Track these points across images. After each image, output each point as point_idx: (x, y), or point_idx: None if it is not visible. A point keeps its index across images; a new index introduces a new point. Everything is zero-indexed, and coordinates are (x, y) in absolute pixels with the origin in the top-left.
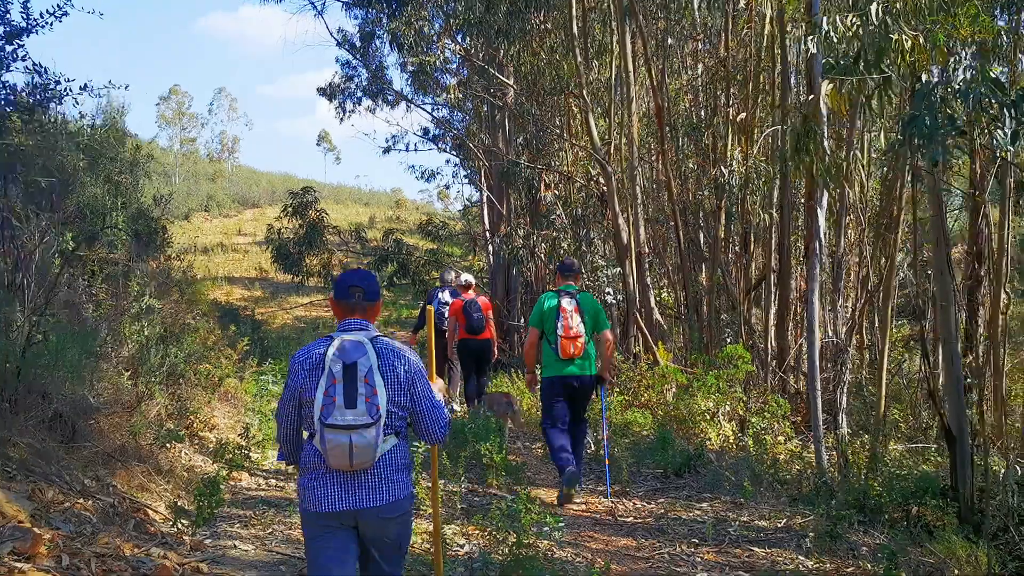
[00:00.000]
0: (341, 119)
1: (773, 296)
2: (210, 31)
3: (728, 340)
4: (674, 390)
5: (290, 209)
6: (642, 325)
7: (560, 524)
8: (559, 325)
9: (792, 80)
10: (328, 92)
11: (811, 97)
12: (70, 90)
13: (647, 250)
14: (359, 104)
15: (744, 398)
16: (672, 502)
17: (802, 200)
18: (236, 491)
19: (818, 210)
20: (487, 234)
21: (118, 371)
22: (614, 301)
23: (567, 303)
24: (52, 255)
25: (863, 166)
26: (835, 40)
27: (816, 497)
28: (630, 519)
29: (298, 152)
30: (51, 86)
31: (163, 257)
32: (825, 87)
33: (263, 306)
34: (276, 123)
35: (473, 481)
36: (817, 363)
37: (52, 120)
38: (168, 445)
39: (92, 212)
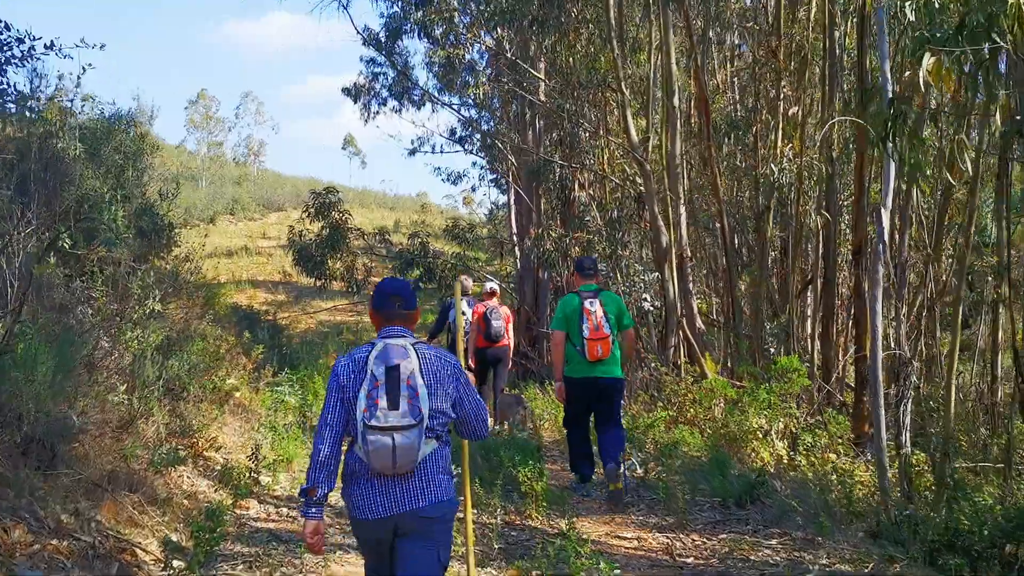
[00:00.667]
0: (366, 120)
1: (818, 303)
2: (237, 35)
3: (771, 350)
4: (722, 405)
5: (312, 210)
6: (688, 335)
7: (615, 570)
8: (584, 327)
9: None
10: (353, 92)
11: (907, 74)
12: (33, 49)
13: (689, 254)
14: (384, 105)
15: (796, 414)
16: (736, 539)
17: (845, 203)
18: (242, 521)
19: (882, 209)
20: (514, 238)
21: (109, 385)
22: (651, 308)
23: (590, 304)
24: (45, 253)
25: (970, 154)
26: (936, 6)
27: (897, 531)
28: (691, 559)
29: (323, 156)
30: (10, 44)
31: (171, 257)
32: (927, 61)
33: (287, 310)
34: (301, 126)
35: (510, 512)
36: (880, 376)
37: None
38: (165, 470)
39: (91, 206)
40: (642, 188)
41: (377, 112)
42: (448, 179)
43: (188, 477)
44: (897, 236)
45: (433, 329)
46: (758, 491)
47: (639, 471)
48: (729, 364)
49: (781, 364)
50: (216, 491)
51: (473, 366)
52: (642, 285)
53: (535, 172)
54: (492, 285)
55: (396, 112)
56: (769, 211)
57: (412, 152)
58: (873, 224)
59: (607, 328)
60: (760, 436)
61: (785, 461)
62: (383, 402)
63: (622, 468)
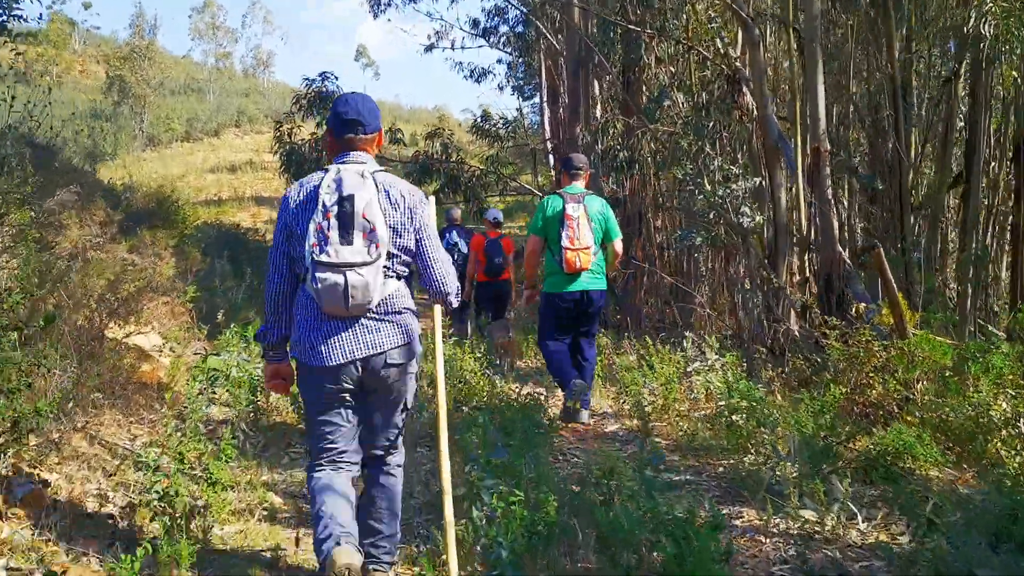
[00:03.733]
0: (375, 14)
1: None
2: None
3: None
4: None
5: (304, 102)
6: (888, 272)
7: None
8: (563, 235)
9: None
10: None
11: None
12: None
13: (828, 147)
14: None
15: None
16: None
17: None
18: None
19: None
20: (547, 144)
21: None
22: (752, 223)
23: (573, 209)
24: None
25: None
26: None
27: None
28: None
29: (336, 70)
30: None
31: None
32: None
33: None
34: (315, 46)
35: None
36: None
37: None
38: None
39: None
40: (738, 63)
41: (388, 2)
42: (471, 76)
43: None
44: None
45: None
46: None
47: (860, 523)
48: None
49: None
50: None
51: (470, 302)
52: (741, 195)
53: (585, 52)
54: (495, 214)
55: (410, 1)
56: (957, 78)
57: (429, 48)
58: None
59: (589, 238)
60: (1000, 428)
61: None
62: (335, 235)
63: (588, 394)
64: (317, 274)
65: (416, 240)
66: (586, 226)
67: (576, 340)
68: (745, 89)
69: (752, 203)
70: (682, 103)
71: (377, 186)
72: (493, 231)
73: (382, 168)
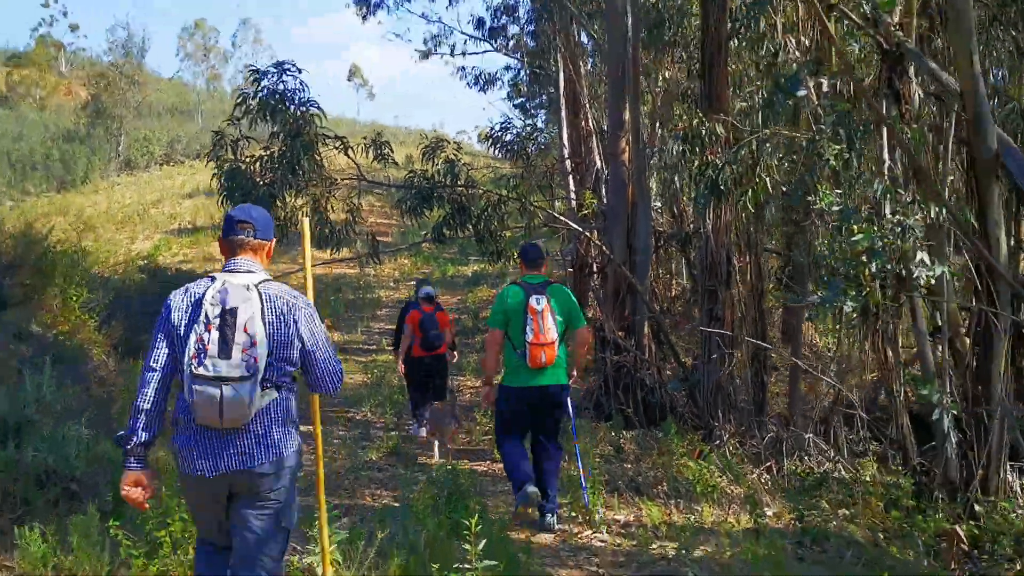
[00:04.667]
0: (364, 16)
1: None
2: None
3: None
4: None
5: (253, 103)
6: None
7: None
8: (528, 329)
9: None
10: None
11: None
12: None
13: None
14: None
15: None
16: None
17: None
18: None
19: None
20: (568, 164)
21: None
22: (932, 276)
23: (536, 301)
24: None
25: None
26: None
27: None
28: None
29: (329, 92)
30: None
31: None
32: None
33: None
34: (307, 65)
35: None
36: None
37: None
38: None
39: None
40: (899, 33)
41: (378, 3)
42: (476, 83)
43: None
44: None
45: (394, 338)
46: None
47: None
48: None
49: None
50: None
51: (405, 375)
52: (917, 233)
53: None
54: (428, 290)
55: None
56: None
57: (426, 55)
58: None
59: (554, 332)
60: None
61: None
62: (213, 348)
63: (555, 512)
64: (194, 386)
65: (299, 349)
66: (551, 319)
67: (536, 439)
68: (911, 73)
69: (924, 246)
70: (814, 94)
71: (262, 298)
72: (428, 306)
73: (269, 278)
